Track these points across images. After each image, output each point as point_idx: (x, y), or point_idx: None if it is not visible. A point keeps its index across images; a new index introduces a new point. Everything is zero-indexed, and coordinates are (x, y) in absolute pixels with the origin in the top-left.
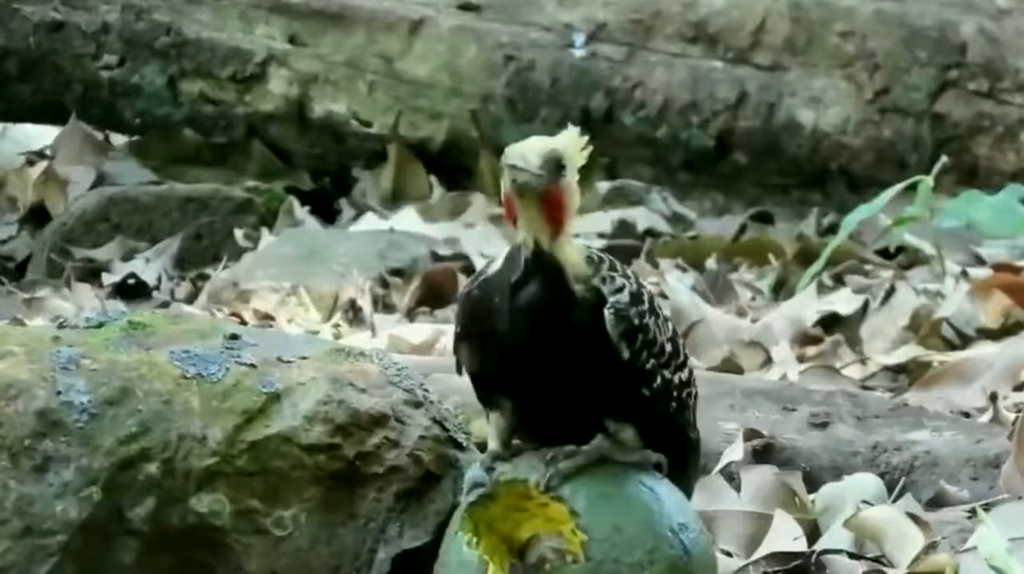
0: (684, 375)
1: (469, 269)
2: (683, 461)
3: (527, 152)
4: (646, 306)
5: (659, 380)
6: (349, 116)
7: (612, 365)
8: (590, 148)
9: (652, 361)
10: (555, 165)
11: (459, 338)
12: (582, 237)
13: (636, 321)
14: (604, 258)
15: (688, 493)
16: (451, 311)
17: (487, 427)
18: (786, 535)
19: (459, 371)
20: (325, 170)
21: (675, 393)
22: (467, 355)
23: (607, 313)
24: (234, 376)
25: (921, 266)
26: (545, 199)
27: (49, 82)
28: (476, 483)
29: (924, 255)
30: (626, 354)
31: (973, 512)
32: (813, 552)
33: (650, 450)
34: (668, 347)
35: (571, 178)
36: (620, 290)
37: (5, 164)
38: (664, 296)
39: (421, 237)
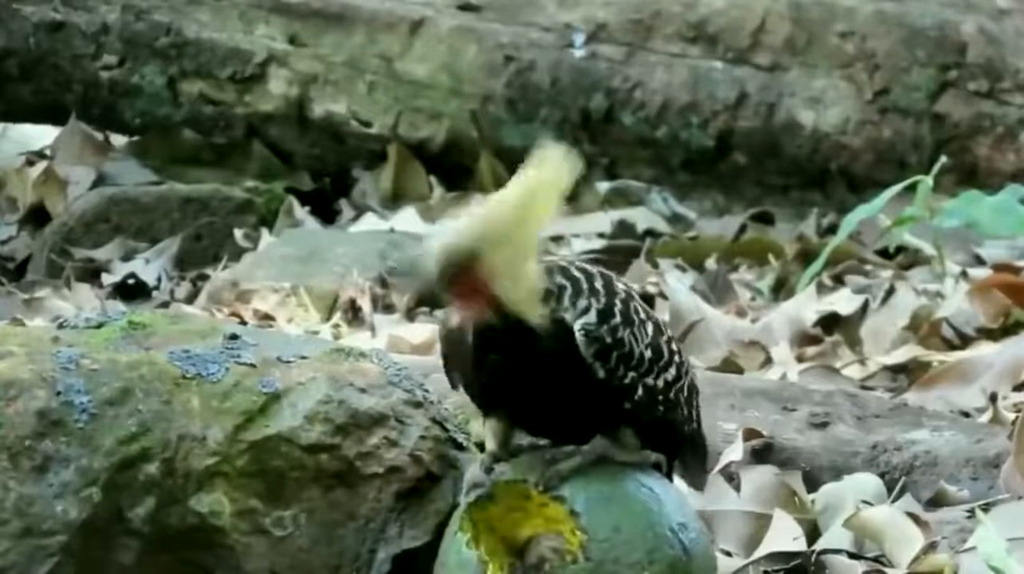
0: (670, 374)
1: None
2: (684, 455)
3: (429, 258)
4: (618, 319)
5: (640, 391)
6: (349, 116)
7: (590, 385)
8: (559, 176)
9: (631, 374)
10: (454, 262)
11: (445, 364)
12: (582, 237)
13: (608, 339)
14: (566, 283)
15: (699, 485)
16: None
17: (483, 430)
18: (786, 535)
19: (454, 387)
20: (325, 170)
21: (661, 396)
22: (456, 378)
23: (578, 336)
24: (234, 376)
25: (921, 266)
26: (459, 294)
27: (49, 82)
28: (475, 483)
29: (924, 255)
30: (601, 373)
31: (973, 512)
32: (813, 552)
33: (649, 450)
34: (648, 354)
35: (497, 245)
36: (586, 311)
37: (5, 164)
38: (664, 296)
39: (421, 237)
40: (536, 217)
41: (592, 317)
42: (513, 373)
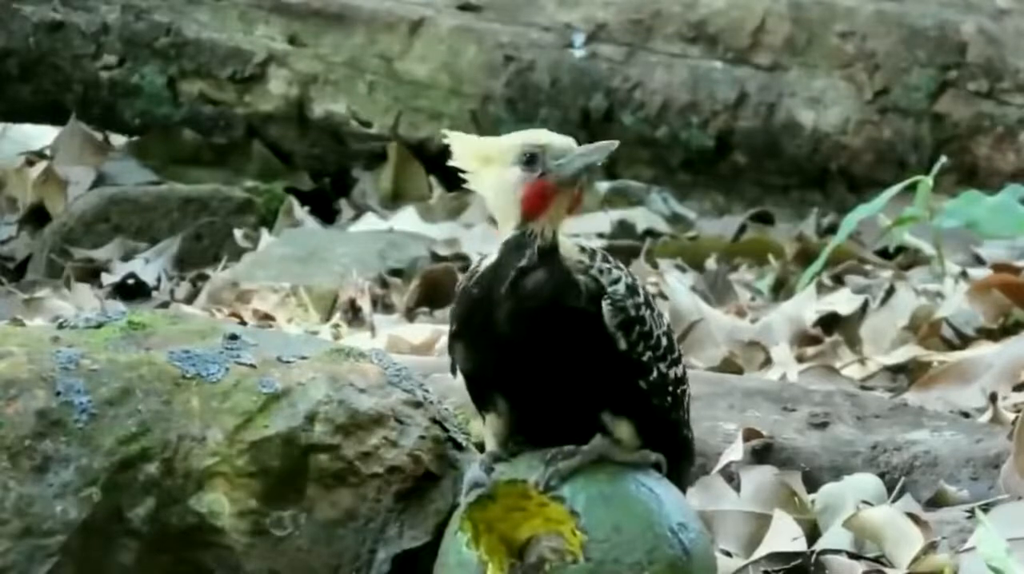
0: (679, 371)
1: (469, 269)
2: (676, 460)
3: (565, 145)
4: (642, 298)
5: (655, 373)
6: (349, 116)
7: (609, 356)
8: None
9: (648, 353)
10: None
11: (455, 336)
12: (582, 237)
13: (633, 312)
14: (596, 251)
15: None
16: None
17: (483, 429)
18: (786, 535)
19: (453, 372)
20: (325, 170)
21: (670, 388)
22: (462, 354)
23: (604, 304)
24: (234, 376)
25: (921, 266)
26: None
27: (49, 82)
28: (475, 483)
29: (924, 255)
30: (623, 345)
31: (973, 512)
32: (813, 552)
33: (649, 450)
34: (664, 341)
35: None
36: (617, 281)
37: (5, 164)
38: (664, 296)
39: (421, 237)
40: None
41: (622, 287)
42: (541, 322)
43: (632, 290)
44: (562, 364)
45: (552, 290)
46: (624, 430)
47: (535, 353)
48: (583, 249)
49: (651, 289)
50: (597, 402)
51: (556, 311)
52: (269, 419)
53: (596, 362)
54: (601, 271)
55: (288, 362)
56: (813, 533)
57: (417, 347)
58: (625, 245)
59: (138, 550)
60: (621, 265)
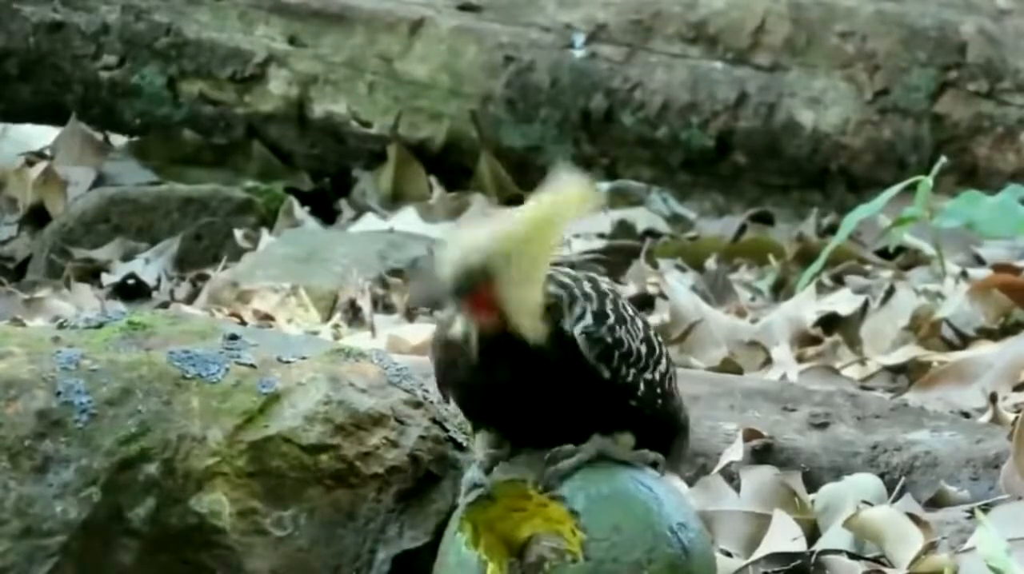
0: (663, 366)
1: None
2: (672, 442)
3: (447, 264)
4: (612, 319)
5: (642, 387)
6: (349, 116)
7: (595, 387)
8: (584, 199)
9: (631, 371)
10: (469, 276)
11: (439, 383)
12: (582, 237)
13: (609, 339)
14: (561, 292)
15: (677, 468)
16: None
17: (476, 443)
18: (786, 535)
19: (446, 401)
20: (325, 170)
21: (659, 389)
22: (449, 390)
23: (579, 339)
24: (234, 376)
25: (921, 266)
26: (470, 307)
27: (49, 82)
28: (475, 484)
29: (924, 255)
30: (606, 374)
31: (973, 512)
32: (813, 552)
33: (647, 450)
34: (643, 349)
35: (515, 262)
36: (582, 316)
37: (5, 164)
38: (664, 296)
39: (421, 237)
40: (549, 242)
41: (589, 320)
42: (516, 384)
43: (600, 316)
44: (549, 403)
45: (508, 373)
46: (620, 437)
47: (517, 401)
48: (547, 306)
49: (651, 289)
50: (588, 426)
51: (521, 377)
52: (269, 419)
53: (583, 396)
54: (564, 317)
55: (288, 362)
56: (813, 533)
57: (417, 347)
58: (625, 245)
59: (138, 550)
60: (588, 288)
